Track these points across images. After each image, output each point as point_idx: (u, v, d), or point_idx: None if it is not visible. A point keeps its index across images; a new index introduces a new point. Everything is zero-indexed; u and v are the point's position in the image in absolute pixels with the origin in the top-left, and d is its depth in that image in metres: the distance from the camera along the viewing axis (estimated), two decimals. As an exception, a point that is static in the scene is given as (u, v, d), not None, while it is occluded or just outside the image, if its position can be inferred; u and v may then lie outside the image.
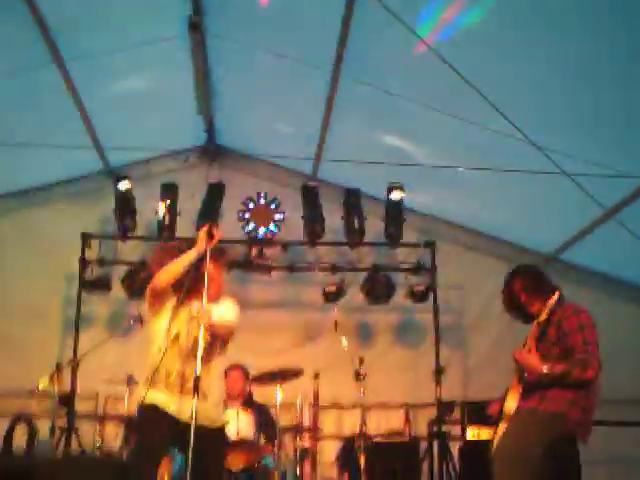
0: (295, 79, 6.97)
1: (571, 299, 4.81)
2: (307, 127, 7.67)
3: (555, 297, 4.61)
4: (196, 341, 4.42)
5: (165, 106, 7.44)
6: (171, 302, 4.64)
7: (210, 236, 4.48)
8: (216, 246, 4.53)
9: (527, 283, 4.91)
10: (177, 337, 4.61)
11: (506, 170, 6.98)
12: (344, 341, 6.33)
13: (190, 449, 4.07)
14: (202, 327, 4.36)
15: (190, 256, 4.50)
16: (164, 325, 4.61)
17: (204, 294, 4.40)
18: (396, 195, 7.80)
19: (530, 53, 5.69)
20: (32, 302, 7.93)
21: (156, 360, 4.55)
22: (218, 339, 4.64)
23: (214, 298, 4.63)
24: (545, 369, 4.47)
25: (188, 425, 4.24)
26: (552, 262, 8.26)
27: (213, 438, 4.52)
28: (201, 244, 4.48)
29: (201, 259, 4.47)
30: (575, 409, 4.54)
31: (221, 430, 4.83)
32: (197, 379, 4.24)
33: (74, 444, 6.87)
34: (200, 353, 4.28)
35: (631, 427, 7.21)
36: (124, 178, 7.52)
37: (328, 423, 7.90)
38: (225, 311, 4.73)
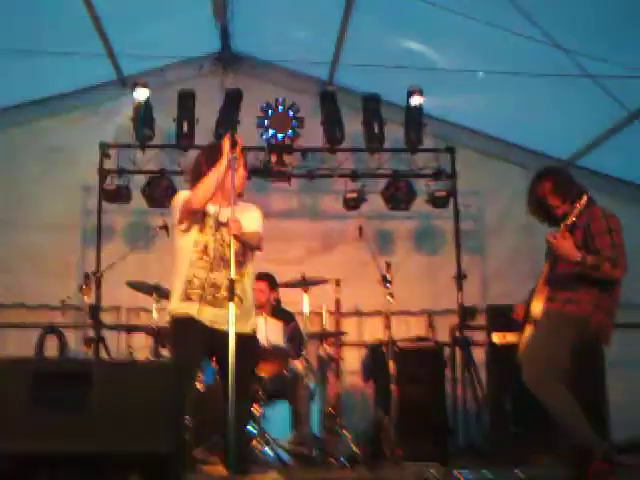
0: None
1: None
2: (324, 31, 7.45)
3: (583, 201, 4.55)
4: (226, 249, 4.44)
5: (179, 12, 7.21)
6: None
7: (233, 143, 4.46)
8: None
9: (555, 185, 4.84)
10: (206, 247, 4.63)
11: (527, 73, 6.86)
12: (371, 246, 6.23)
13: (230, 354, 4.08)
14: (232, 236, 4.35)
15: (220, 170, 4.49)
16: (193, 237, 4.63)
17: (232, 202, 4.40)
18: (416, 100, 7.66)
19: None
20: (50, 214, 7.84)
21: (187, 272, 4.58)
22: (248, 246, 4.66)
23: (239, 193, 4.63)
24: (579, 257, 4.46)
25: (222, 332, 4.28)
26: (571, 168, 8.14)
27: (246, 344, 4.54)
28: (227, 154, 4.47)
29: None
30: (599, 313, 4.57)
31: (254, 336, 4.88)
32: (232, 282, 4.22)
33: (103, 355, 6.92)
34: (233, 258, 4.28)
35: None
36: (142, 86, 7.34)
37: (349, 331, 7.91)
38: (252, 219, 4.76)
